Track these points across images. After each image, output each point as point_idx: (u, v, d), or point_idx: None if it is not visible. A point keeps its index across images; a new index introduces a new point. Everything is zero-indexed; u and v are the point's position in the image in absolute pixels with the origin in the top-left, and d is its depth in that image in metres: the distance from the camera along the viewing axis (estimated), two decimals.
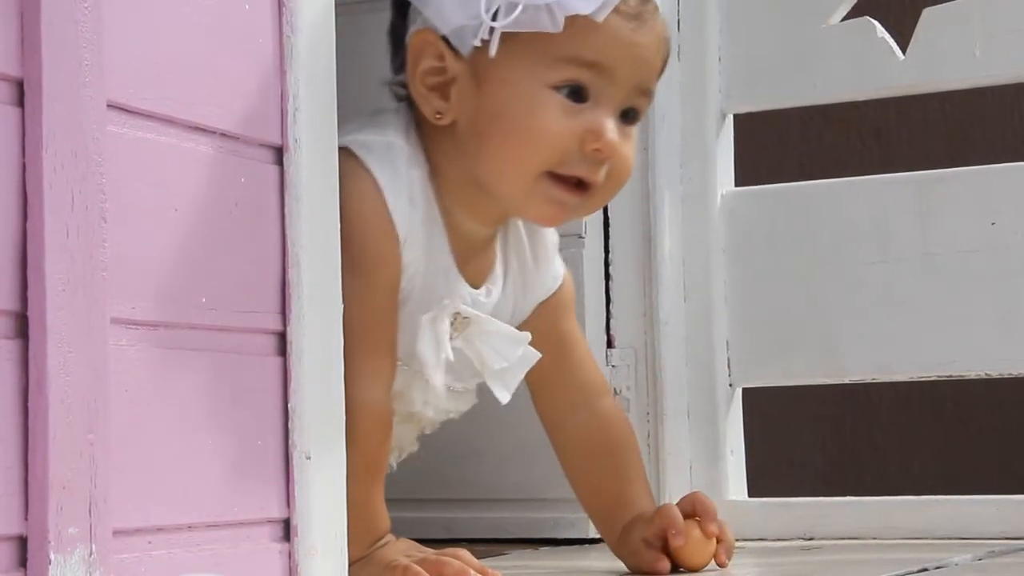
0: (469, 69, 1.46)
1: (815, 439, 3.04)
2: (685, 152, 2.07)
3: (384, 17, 1.67)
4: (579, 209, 1.50)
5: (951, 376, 1.99)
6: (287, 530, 1.30)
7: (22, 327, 1.08)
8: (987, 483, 2.21)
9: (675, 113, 2.08)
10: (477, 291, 1.55)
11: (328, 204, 1.34)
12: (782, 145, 2.94)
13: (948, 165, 2.07)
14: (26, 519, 1.07)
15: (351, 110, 1.42)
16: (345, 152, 1.47)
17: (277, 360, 1.30)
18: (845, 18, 2.04)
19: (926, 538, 1.91)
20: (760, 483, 2.13)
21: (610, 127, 1.44)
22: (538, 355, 1.55)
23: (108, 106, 1.14)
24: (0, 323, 1.07)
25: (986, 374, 1.97)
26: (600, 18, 1.42)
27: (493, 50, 1.43)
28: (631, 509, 1.60)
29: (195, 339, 1.22)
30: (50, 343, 1.08)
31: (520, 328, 1.58)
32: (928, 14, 1.99)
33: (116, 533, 1.12)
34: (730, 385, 2.07)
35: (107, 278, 1.13)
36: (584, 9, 1.42)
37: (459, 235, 1.54)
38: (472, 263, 1.55)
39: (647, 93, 1.49)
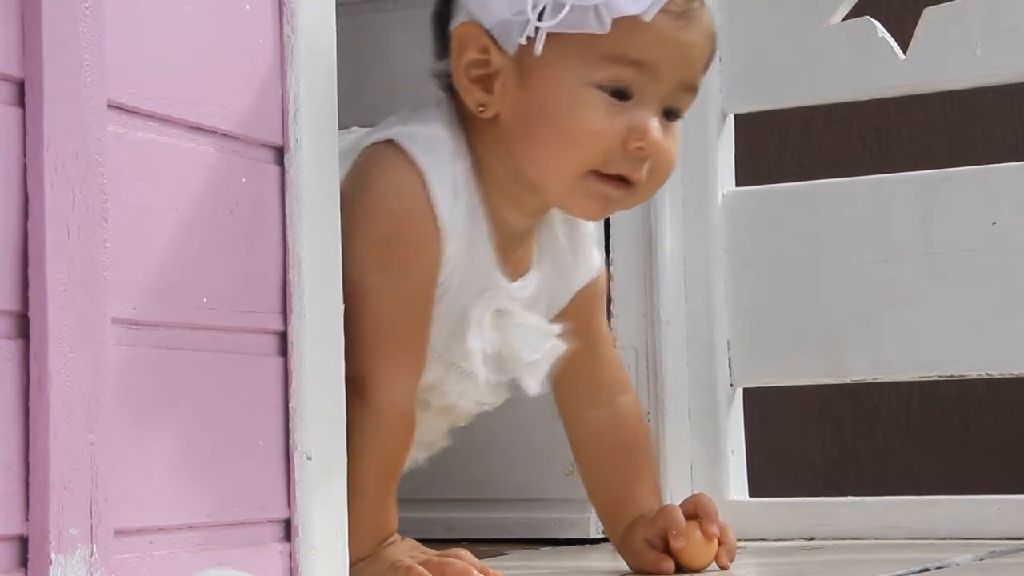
0: (513, 64, 1.46)
1: (816, 439, 3.04)
2: (686, 152, 2.07)
3: (385, 17, 1.67)
4: (623, 203, 1.50)
5: (952, 376, 1.99)
6: (288, 530, 1.30)
7: (23, 327, 1.08)
8: (988, 483, 2.21)
9: None
10: (514, 284, 1.54)
11: (329, 204, 1.34)
12: (783, 145, 2.94)
13: (949, 165, 2.07)
14: (27, 519, 1.07)
15: (352, 110, 1.42)
16: (390, 144, 1.48)
17: (278, 360, 1.30)
18: (846, 18, 2.04)
19: (927, 538, 1.91)
20: (761, 483, 2.13)
21: (654, 125, 1.44)
22: (566, 346, 1.55)
23: (109, 106, 1.14)
24: (1, 323, 1.07)
25: (987, 374, 1.97)
26: (649, 18, 1.42)
27: (539, 49, 1.43)
28: (636, 508, 1.60)
29: (196, 339, 1.22)
30: (51, 343, 1.08)
31: (554, 319, 1.59)
32: (929, 14, 1.99)
33: (117, 533, 1.12)
34: (731, 385, 2.07)
35: (108, 278, 1.13)
36: (633, 10, 1.41)
37: (501, 228, 1.53)
38: (511, 256, 1.55)
39: (691, 90, 1.49)
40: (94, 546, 1.10)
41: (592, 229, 1.65)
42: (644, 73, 1.43)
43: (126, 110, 1.17)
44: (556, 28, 1.41)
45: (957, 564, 1.65)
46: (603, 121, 1.43)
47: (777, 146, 2.92)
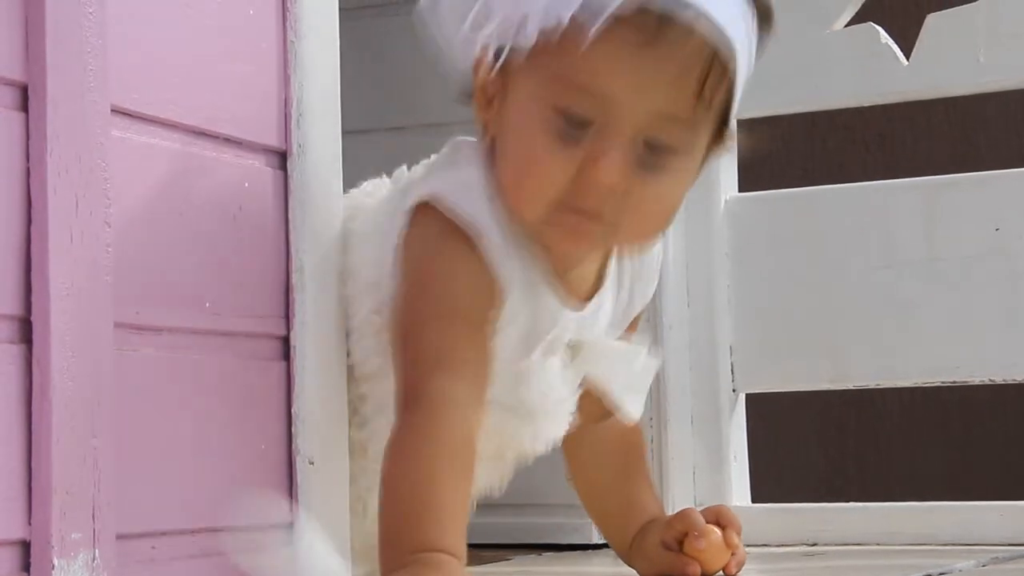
0: (503, 84, 1.34)
1: (818, 445, 3.04)
2: None
3: (389, 22, 1.67)
4: (605, 239, 1.34)
5: (956, 382, 1.99)
6: (290, 535, 1.29)
7: (26, 332, 1.08)
8: (991, 489, 2.21)
9: None
10: (583, 312, 1.40)
11: (331, 208, 1.34)
12: (786, 150, 2.94)
13: (952, 171, 2.07)
14: (29, 524, 1.07)
15: (356, 115, 1.42)
16: (426, 209, 1.33)
17: (280, 365, 1.30)
18: (849, 24, 2.04)
19: (929, 544, 1.91)
20: (763, 488, 2.13)
21: (608, 158, 1.26)
22: (659, 361, 1.46)
23: (112, 111, 1.14)
24: (4, 328, 1.07)
25: (991, 380, 1.97)
26: (585, 38, 1.24)
27: (493, 70, 1.31)
28: (643, 514, 1.58)
29: (198, 344, 1.22)
30: (54, 348, 1.08)
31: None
32: (932, 20, 1.99)
33: (119, 538, 1.12)
34: (733, 390, 2.07)
35: (111, 283, 1.13)
36: (558, 22, 1.25)
37: (554, 257, 1.37)
38: (573, 284, 1.40)
39: (674, 120, 1.29)
40: (96, 551, 1.10)
41: (658, 249, 1.50)
42: (599, 101, 1.27)
43: (129, 115, 1.17)
44: (489, 41, 1.30)
45: (959, 570, 1.65)
46: (553, 151, 1.27)
47: (780, 151, 2.92)
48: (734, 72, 1.30)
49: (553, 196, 1.29)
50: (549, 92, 1.27)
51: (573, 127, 1.27)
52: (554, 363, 1.39)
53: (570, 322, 1.40)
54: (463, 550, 1.21)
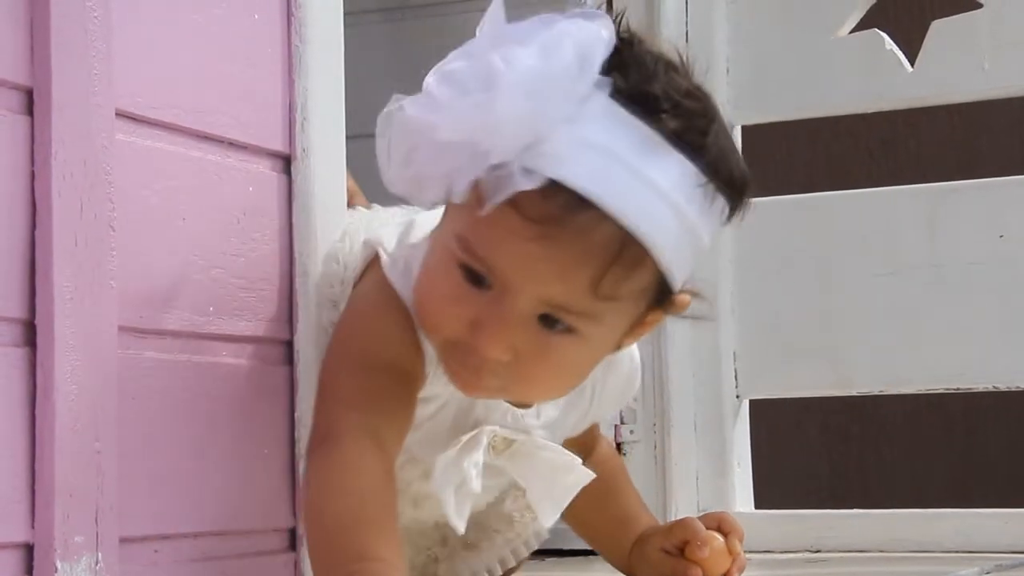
0: (444, 208, 1.26)
1: (822, 451, 3.04)
2: None
3: (394, 27, 1.66)
4: (504, 385, 1.24)
5: (959, 389, 1.99)
6: (293, 539, 1.30)
7: (30, 335, 1.08)
8: (994, 496, 2.21)
9: None
10: (524, 411, 1.34)
11: (335, 213, 1.34)
12: (790, 156, 2.94)
13: (956, 177, 2.07)
14: (33, 527, 1.07)
15: (360, 120, 1.42)
16: (379, 261, 1.29)
17: (284, 369, 1.30)
18: (854, 30, 2.04)
19: (932, 551, 1.91)
20: (767, 495, 2.13)
21: (492, 333, 1.19)
22: (591, 475, 1.36)
23: (117, 115, 1.14)
24: (8, 331, 1.07)
25: (994, 387, 1.97)
26: (483, 211, 1.15)
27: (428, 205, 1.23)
28: (638, 524, 1.57)
29: (202, 347, 1.23)
30: (58, 351, 1.08)
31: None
32: (936, 26, 1.99)
33: (123, 541, 1.12)
34: (737, 396, 2.07)
35: (114, 286, 1.13)
36: (455, 190, 1.16)
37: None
38: None
39: (567, 309, 1.19)
40: (99, 554, 1.10)
41: (634, 373, 1.44)
42: (493, 274, 1.19)
43: (134, 119, 1.17)
44: (396, 190, 1.21)
45: None
46: (448, 304, 1.21)
47: (784, 158, 2.92)
48: (659, 261, 1.19)
49: (449, 336, 1.23)
50: (455, 246, 1.20)
51: (475, 280, 1.20)
52: (474, 459, 1.29)
53: (506, 416, 1.33)
54: (402, 559, 1.16)
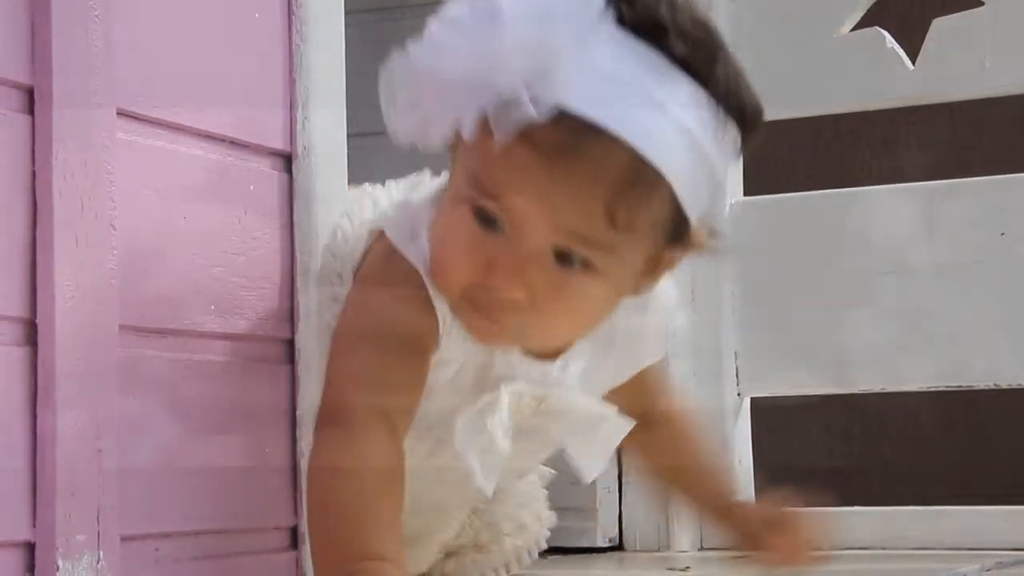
0: (453, 155, 1.25)
1: (823, 449, 3.04)
2: None
3: (394, 27, 1.66)
4: (517, 338, 1.24)
5: (960, 386, 1.99)
6: (295, 538, 1.30)
7: (31, 334, 1.08)
8: (996, 493, 2.21)
9: None
10: (550, 365, 1.29)
11: (336, 211, 1.34)
12: (791, 155, 2.94)
13: (957, 176, 2.07)
14: (34, 525, 1.07)
15: (360, 119, 1.42)
16: (384, 235, 1.27)
17: (285, 368, 1.30)
18: (855, 28, 2.04)
19: (934, 548, 1.91)
20: (768, 493, 2.13)
21: (508, 273, 1.18)
22: (630, 424, 1.31)
23: (117, 114, 1.14)
24: (9, 330, 1.07)
25: (995, 385, 1.97)
26: (499, 142, 1.14)
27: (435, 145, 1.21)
28: (733, 484, 1.50)
29: (203, 346, 1.23)
30: (59, 350, 1.08)
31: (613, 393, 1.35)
32: (937, 25, 1.99)
33: (124, 540, 1.13)
34: (738, 394, 2.07)
35: (116, 285, 1.13)
36: (461, 126, 1.15)
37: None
38: None
39: (584, 239, 1.17)
40: (101, 552, 1.10)
41: (672, 296, 1.36)
42: (505, 211, 1.17)
43: (134, 118, 1.17)
44: (398, 138, 1.20)
45: (964, 574, 1.65)
46: (462, 250, 1.19)
47: (785, 156, 2.92)
48: (672, 190, 1.17)
49: (466, 281, 1.20)
50: (467, 188, 1.19)
51: (489, 221, 1.18)
52: (496, 421, 1.26)
53: (531, 373, 1.29)
54: (403, 558, 1.15)
